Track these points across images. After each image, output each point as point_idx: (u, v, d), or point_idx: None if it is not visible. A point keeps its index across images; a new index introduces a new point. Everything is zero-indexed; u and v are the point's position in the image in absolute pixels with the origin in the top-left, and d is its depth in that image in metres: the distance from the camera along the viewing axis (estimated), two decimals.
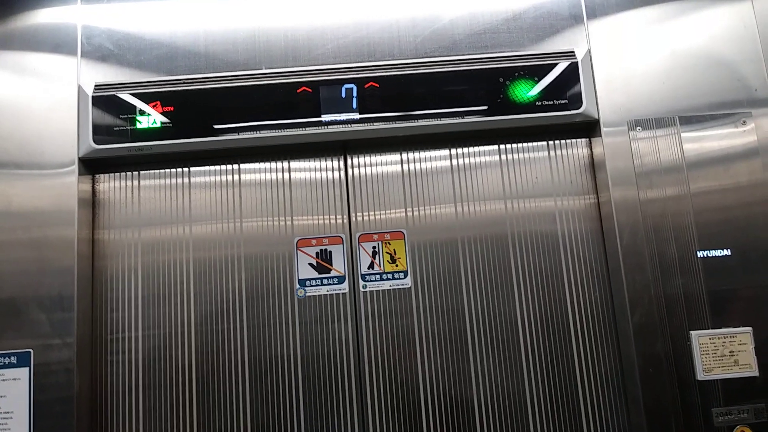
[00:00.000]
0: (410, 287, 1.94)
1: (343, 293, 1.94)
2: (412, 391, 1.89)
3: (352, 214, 2.00)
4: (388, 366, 1.91)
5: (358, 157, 2.03)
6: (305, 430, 1.87)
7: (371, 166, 2.03)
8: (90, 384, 1.86)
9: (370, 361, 1.91)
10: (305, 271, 1.94)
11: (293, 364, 1.90)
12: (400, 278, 1.94)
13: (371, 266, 1.95)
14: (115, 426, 1.86)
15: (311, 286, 1.93)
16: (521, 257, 1.97)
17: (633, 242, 1.87)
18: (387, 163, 2.03)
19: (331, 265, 1.95)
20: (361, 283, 1.94)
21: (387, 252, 1.95)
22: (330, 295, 1.94)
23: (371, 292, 1.94)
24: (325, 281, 1.94)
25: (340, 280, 1.94)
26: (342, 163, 2.03)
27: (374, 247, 1.96)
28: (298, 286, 1.93)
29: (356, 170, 2.02)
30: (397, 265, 1.95)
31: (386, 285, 1.94)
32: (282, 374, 1.89)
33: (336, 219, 1.99)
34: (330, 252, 1.96)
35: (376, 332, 1.92)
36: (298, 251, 1.95)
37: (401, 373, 1.90)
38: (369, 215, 1.99)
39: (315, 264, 1.94)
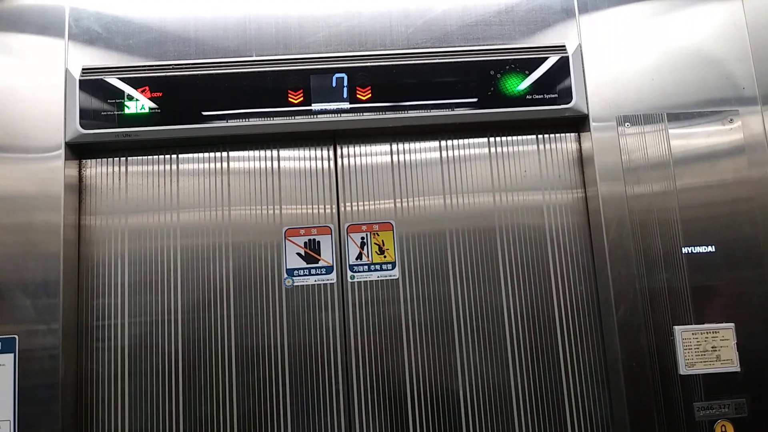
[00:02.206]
0: (398, 278, 1.95)
1: (330, 283, 1.94)
2: (398, 382, 1.90)
3: (341, 205, 1.99)
4: (375, 356, 1.91)
5: (348, 147, 2.02)
6: (292, 418, 1.87)
7: (361, 156, 2.02)
8: (75, 370, 1.85)
9: (357, 351, 1.91)
10: (293, 261, 1.94)
11: (280, 353, 1.90)
12: (388, 269, 1.95)
13: (359, 257, 1.95)
14: (100, 413, 1.86)
15: (299, 275, 1.93)
16: (509, 250, 1.98)
17: (619, 237, 1.88)
18: (376, 154, 2.03)
19: (320, 255, 1.95)
20: (349, 273, 1.94)
21: (375, 243, 1.96)
22: (318, 285, 1.94)
23: (359, 282, 1.94)
24: (313, 271, 1.94)
25: (328, 270, 1.94)
26: (331, 152, 2.02)
27: (363, 238, 1.96)
28: (285, 275, 1.93)
29: (346, 160, 2.01)
30: (385, 257, 1.95)
31: (374, 276, 1.94)
32: (269, 363, 1.89)
33: (325, 209, 1.98)
34: (318, 242, 1.95)
35: (363, 323, 1.92)
36: (287, 241, 1.95)
37: (388, 363, 1.91)
38: (358, 205, 1.99)
39: (303, 254, 1.94)
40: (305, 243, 1.95)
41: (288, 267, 1.94)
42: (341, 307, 1.93)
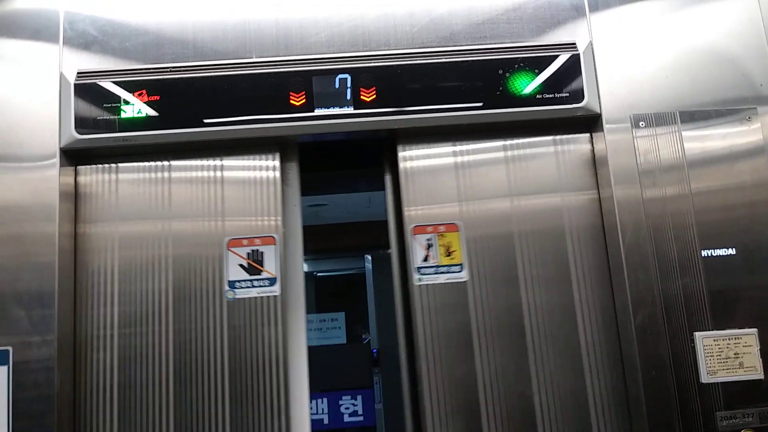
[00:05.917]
0: (467, 281, 1.86)
1: (274, 296, 1.84)
2: (470, 387, 1.81)
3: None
4: (446, 362, 1.82)
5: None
6: None
7: None
8: (72, 383, 1.79)
9: (426, 355, 1.82)
10: (235, 273, 1.84)
11: (220, 369, 1.80)
12: (455, 272, 1.86)
13: (426, 259, 1.87)
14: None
15: (241, 288, 1.84)
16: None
17: (636, 241, 1.80)
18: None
19: (263, 266, 1.85)
20: (416, 276, 1.86)
21: (442, 245, 1.87)
22: (260, 297, 1.84)
23: (426, 285, 1.85)
24: (255, 283, 1.84)
25: (272, 282, 1.85)
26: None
27: (428, 240, 1.87)
28: (227, 287, 1.85)
29: None
30: (452, 258, 1.87)
31: (441, 278, 1.86)
32: (208, 380, 1.80)
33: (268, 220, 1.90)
34: (262, 252, 1.86)
35: (432, 326, 1.83)
36: (228, 251, 1.86)
37: (458, 369, 1.82)
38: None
39: (246, 265, 1.85)
40: (248, 254, 1.86)
41: (230, 279, 1.85)
42: (283, 322, 1.83)
